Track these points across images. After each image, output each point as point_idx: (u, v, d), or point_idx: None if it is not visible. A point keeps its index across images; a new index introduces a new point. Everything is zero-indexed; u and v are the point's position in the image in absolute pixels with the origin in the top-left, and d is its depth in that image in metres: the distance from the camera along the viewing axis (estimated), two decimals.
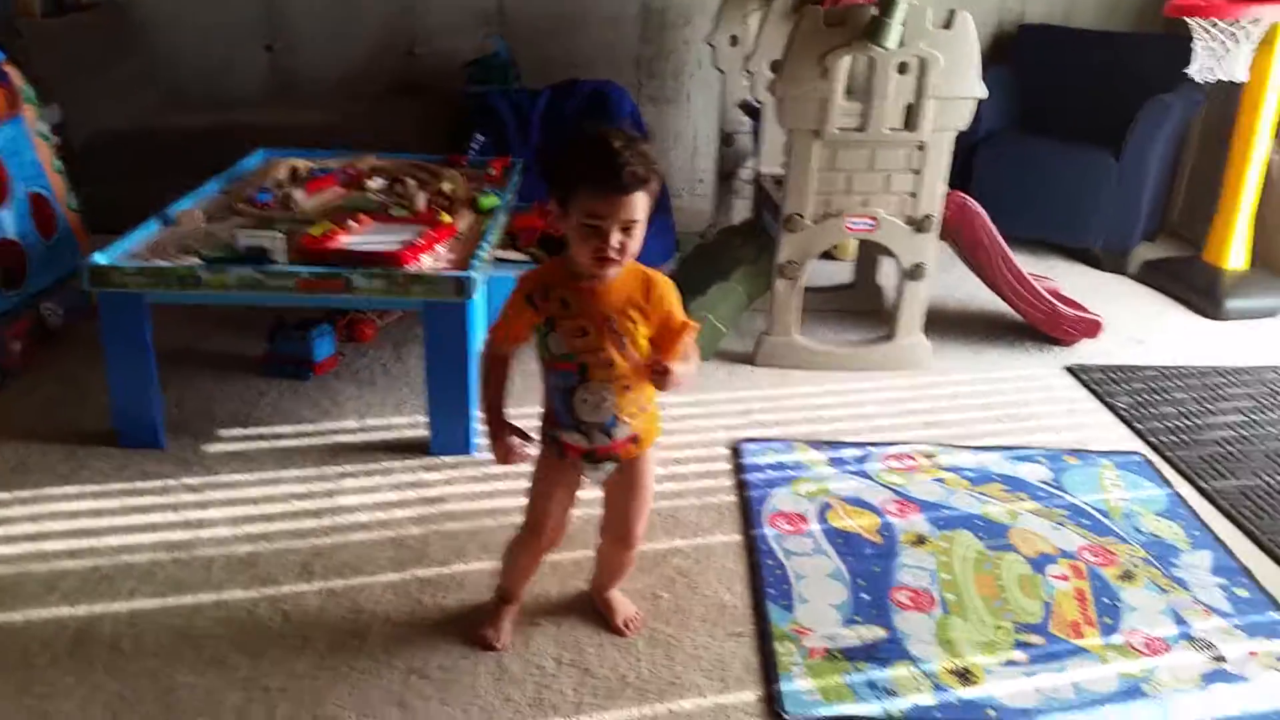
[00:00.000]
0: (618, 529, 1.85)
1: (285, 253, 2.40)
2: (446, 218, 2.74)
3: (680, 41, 4.77)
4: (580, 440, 1.72)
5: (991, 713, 1.75)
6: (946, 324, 3.47)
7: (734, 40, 3.96)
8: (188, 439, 2.56)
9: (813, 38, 2.81)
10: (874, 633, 1.93)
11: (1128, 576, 2.13)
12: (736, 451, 2.60)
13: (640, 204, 1.57)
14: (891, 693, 1.78)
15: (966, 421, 2.82)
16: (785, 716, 1.72)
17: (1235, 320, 3.64)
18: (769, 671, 1.82)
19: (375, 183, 3.08)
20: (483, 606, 1.95)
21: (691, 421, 2.76)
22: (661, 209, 3.66)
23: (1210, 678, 1.85)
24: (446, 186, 2.98)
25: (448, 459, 2.49)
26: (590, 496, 1.87)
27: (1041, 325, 3.31)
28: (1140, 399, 2.96)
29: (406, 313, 3.25)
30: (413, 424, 2.67)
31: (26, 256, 3.00)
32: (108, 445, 2.49)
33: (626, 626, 1.92)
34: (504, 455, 1.76)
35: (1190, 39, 3.53)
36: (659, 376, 1.64)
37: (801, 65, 2.82)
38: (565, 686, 1.78)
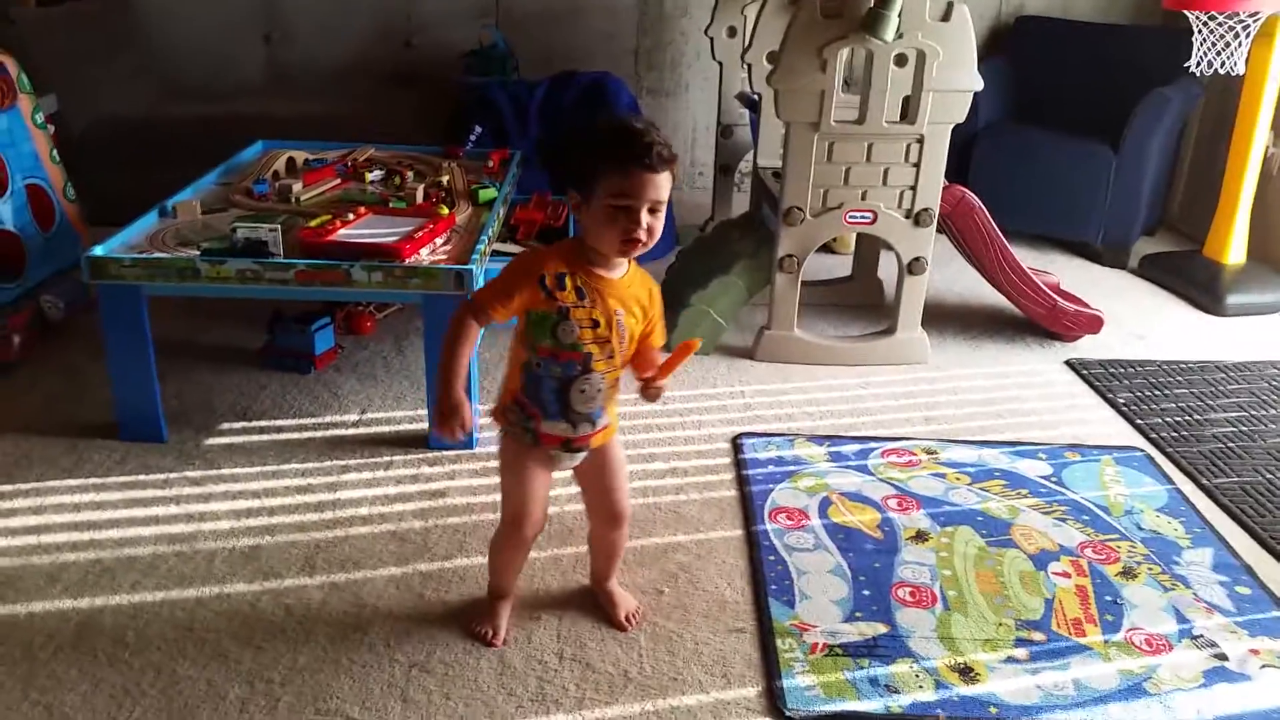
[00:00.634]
0: (607, 508, 1.85)
1: (282, 245, 2.40)
2: (445, 210, 2.73)
3: (678, 33, 4.76)
4: (565, 430, 1.70)
5: (993, 709, 1.75)
6: (946, 318, 3.48)
7: (732, 32, 3.95)
8: (189, 432, 2.55)
9: (810, 30, 2.81)
10: (875, 629, 1.93)
11: (1129, 573, 2.14)
12: (737, 446, 2.60)
13: (666, 184, 1.57)
14: (893, 689, 1.78)
15: (967, 416, 2.82)
16: (786, 713, 1.72)
17: (1236, 316, 3.64)
18: (770, 667, 1.83)
19: (373, 174, 3.08)
20: (479, 603, 1.95)
21: (692, 416, 2.76)
22: None
23: (1212, 676, 1.85)
24: (444, 179, 2.97)
25: (448, 453, 2.49)
26: (566, 492, 1.86)
27: (1042, 320, 3.31)
28: (1141, 394, 2.97)
29: (405, 305, 3.25)
30: (413, 417, 2.67)
31: (25, 249, 2.99)
32: (109, 438, 2.49)
33: (628, 620, 1.92)
34: (460, 427, 1.67)
35: (1189, 32, 3.53)
36: (652, 392, 1.69)
37: (799, 58, 2.82)
38: (567, 681, 1.79)
